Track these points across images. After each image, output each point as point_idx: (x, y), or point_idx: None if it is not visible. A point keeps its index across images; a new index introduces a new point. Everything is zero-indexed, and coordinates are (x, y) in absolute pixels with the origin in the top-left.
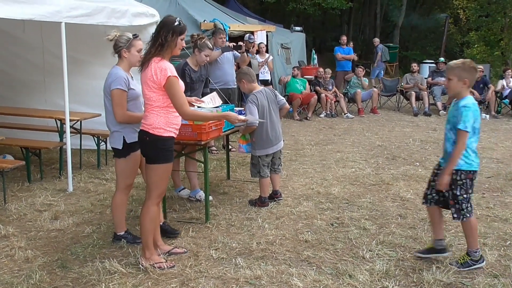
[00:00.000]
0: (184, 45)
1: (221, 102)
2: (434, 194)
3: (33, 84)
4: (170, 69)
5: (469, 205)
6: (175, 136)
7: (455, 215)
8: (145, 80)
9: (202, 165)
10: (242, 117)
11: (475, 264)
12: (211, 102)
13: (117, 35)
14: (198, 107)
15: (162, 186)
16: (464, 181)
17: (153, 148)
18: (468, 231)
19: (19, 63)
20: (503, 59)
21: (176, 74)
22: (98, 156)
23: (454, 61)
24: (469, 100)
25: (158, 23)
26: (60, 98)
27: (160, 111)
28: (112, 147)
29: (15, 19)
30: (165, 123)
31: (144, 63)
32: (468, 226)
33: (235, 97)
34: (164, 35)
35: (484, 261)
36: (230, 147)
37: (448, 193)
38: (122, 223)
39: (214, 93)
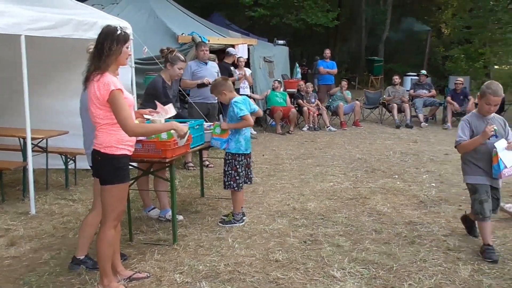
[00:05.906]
0: (130, 53)
1: (175, 112)
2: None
3: (3, 102)
4: (113, 82)
5: (237, 180)
6: (129, 153)
7: (224, 186)
8: (90, 97)
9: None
10: (185, 129)
11: (236, 223)
12: (163, 113)
13: None
14: (147, 120)
15: (119, 208)
16: (230, 160)
17: (105, 167)
18: (234, 199)
19: None
20: (484, 71)
21: (120, 87)
22: (66, 176)
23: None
24: (236, 99)
25: (99, 34)
26: (29, 117)
27: (110, 129)
28: (90, 166)
29: None
30: (117, 140)
31: (87, 79)
32: (234, 195)
33: (215, 111)
34: (109, 46)
35: (243, 222)
36: (207, 163)
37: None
38: (86, 246)
39: (170, 104)
